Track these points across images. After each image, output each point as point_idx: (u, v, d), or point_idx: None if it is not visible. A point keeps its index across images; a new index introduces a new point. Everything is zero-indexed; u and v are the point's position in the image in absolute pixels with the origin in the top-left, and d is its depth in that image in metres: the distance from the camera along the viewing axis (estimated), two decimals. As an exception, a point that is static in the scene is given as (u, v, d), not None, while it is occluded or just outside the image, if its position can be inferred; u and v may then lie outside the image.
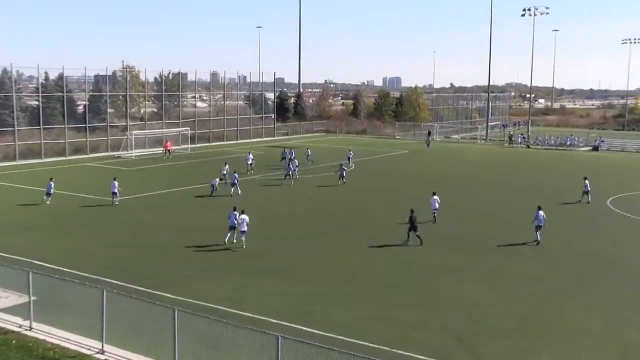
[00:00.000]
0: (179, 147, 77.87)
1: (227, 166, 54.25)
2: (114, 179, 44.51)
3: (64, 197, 46.18)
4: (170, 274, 28.47)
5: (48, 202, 43.67)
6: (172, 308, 18.78)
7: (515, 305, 25.07)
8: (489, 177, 60.74)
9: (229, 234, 33.25)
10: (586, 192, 47.29)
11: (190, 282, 27.32)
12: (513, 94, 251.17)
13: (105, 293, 20.02)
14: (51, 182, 44.49)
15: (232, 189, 47.79)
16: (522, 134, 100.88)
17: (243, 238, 32.69)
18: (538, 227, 34.92)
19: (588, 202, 46.68)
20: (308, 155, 66.16)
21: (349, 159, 65.60)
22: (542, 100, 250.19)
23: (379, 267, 30.17)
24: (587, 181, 47.49)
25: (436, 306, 24.88)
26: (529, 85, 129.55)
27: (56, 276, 23.71)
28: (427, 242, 34.25)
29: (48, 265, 28.99)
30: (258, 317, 23.04)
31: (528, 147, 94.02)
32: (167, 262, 30.43)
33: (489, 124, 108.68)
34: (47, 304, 22.47)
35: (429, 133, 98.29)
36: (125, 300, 20.96)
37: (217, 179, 49.11)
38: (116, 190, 43.77)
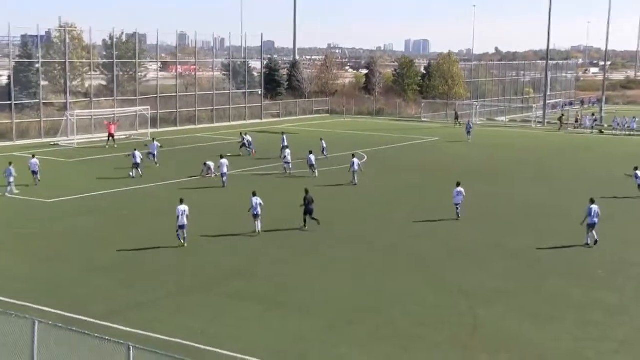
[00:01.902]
0: (135, 132, 77.94)
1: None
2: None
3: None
4: (123, 299, 28.42)
5: (17, 192, 47.34)
6: (127, 344, 18.71)
7: (590, 348, 25.01)
8: (544, 173, 60.66)
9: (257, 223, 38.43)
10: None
11: (149, 310, 27.30)
12: (581, 61, 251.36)
13: (37, 325, 19.93)
14: (10, 168, 47.53)
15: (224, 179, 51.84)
16: (593, 115, 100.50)
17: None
18: (591, 226, 36.43)
19: None
20: (323, 148, 65.37)
21: (323, 151, 64.69)
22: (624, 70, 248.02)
23: (400, 291, 30.15)
24: (638, 172, 49.45)
25: (475, 346, 24.85)
26: (603, 49, 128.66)
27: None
28: (462, 259, 34.40)
29: (-40, 287, 28.96)
30: (238, 356, 23.05)
31: (601, 132, 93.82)
32: (119, 284, 30.39)
33: (548, 102, 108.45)
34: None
35: (457, 115, 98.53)
36: (64, 334, 20.87)
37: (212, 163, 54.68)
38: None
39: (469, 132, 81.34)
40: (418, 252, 35.90)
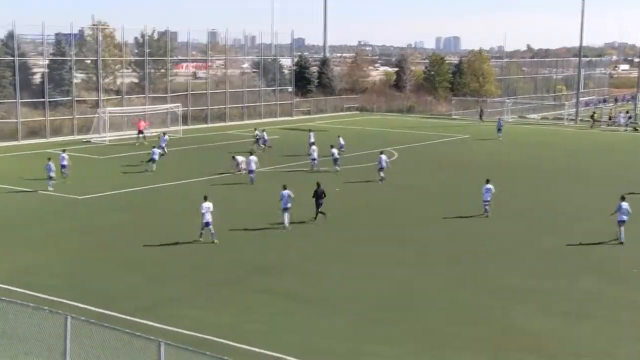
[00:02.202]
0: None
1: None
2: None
3: (15, 194, 47.07)
4: (154, 295, 28.60)
5: (51, 189, 47.61)
6: (157, 340, 18.77)
7: (624, 348, 24.75)
8: (576, 171, 60.22)
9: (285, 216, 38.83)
10: None
11: (179, 306, 27.43)
12: (615, 57, 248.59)
13: (69, 320, 20.05)
14: (50, 163, 48.05)
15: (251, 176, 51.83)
16: (627, 112, 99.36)
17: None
18: (621, 222, 36.66)
19: None
20: (341, 145, 65.42)
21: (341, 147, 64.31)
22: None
23: (431, 288, 30.07)
24: None
25: (507, 345, 24.70)
26: (637, 45, 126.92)
27: (4, 298, 23.81)
28: (494, 257, 34.30)
29: (-6, 283, 29.26)
30: (268, 352, 23.10)
31: (635, 130, 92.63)
32: (150, 280, 30.58)
33: (581, 99, 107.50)
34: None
35: (481, 112, 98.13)
36: (95, 329, 20.98)
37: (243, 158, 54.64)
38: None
39: (499, 130, 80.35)
40: (450, 250, 35.80)
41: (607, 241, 37.06)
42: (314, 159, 57.21)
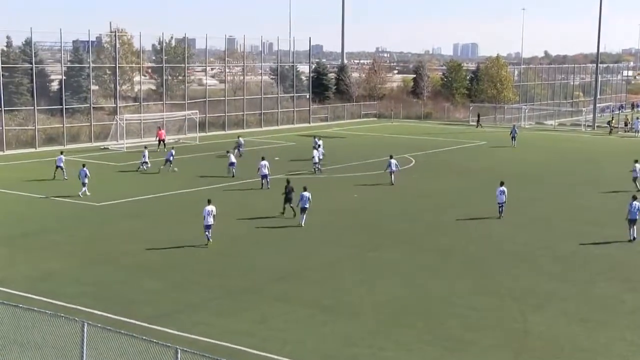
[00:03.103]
0: (184, 136, 78.39)
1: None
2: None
3: (33, 201, 47.26)
4: (171, 302, 28.58)
5: (88, 193, 48.25)
6: (175, 347, 18.73)
7: None
8: (592, 177, 59.97)
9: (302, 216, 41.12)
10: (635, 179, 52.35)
11: (197, 313, 27.38)
12: (632, 63, 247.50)
13: (86, 327, 20.03)
14: (85, 169, 48.82)
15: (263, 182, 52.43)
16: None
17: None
18: (632, 221, 38.04)
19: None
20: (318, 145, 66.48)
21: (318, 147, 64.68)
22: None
23: (449, 294, 29.92)
24: (638, 165, 52.65)
25: (525, 351, 24.54)
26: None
27: (21, 305, 23.85)
28: (512, 262, 34.26)
29: (11, 291, 29.26)
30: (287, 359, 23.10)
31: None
32: (167, 287, 30.57)
33: (598, 105, 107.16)
34: (8, 341, 22.63)
35: (479, 117, 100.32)
36: (112, 336, 20.96)
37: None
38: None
39: (513, 138, 78.98)
40: (468, 255, 35.68)
41: (625, 248, 37.00)
42: (315, 163, 59.07)
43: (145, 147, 63.08)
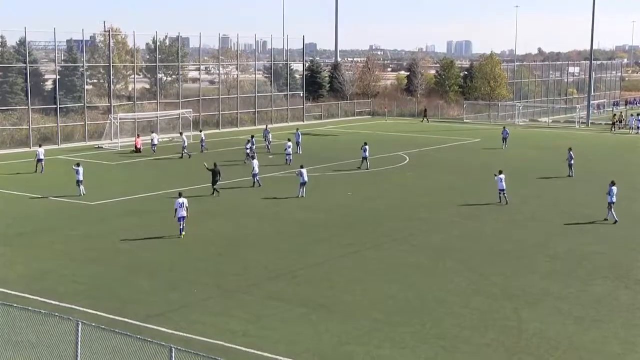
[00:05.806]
0: (177, 135, 78.07)
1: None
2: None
3: (27, 201, 47.18)
4: (165, 301, 28.53)
5: (84, 192, 48.33)
6: (169, 346, 18.72)
7: (637, 352, 24.53)
8: (588, 174, 60.00)
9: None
10: (570, 165, 57.15)
11: (191, 312, 27.35)
12: (626, 60, 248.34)
13: (80, 326, 20.02)
14: (78, 168, 48.76)
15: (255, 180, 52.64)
16: (639, 115, 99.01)
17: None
18: (611, 204, 41.39)
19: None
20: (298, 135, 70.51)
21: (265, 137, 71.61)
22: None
23: (444, 292, 29.93)
24: (572, 152, 57.23)
25: (519, 349, 24.57)
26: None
27: (15, 305, 23.82)
28: (507, 260, 34.26)
29: (6, 290, 29.25)
30: (280, 358, 23.08)
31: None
32: (161, 286, 30.52)
33: (592, 102, 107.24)
34: (3, 340, 22.58)
35: (425, 112, 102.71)
36: (107, 335, 20.95)
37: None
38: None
39: (504, 140, 75.64)
40: (462, 253, 35.64)
41: (621, 246, 37.05)
42: (288, 154, 61.98)
43: (181, 133, 69.76)
